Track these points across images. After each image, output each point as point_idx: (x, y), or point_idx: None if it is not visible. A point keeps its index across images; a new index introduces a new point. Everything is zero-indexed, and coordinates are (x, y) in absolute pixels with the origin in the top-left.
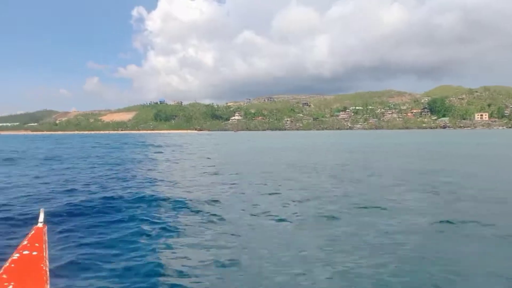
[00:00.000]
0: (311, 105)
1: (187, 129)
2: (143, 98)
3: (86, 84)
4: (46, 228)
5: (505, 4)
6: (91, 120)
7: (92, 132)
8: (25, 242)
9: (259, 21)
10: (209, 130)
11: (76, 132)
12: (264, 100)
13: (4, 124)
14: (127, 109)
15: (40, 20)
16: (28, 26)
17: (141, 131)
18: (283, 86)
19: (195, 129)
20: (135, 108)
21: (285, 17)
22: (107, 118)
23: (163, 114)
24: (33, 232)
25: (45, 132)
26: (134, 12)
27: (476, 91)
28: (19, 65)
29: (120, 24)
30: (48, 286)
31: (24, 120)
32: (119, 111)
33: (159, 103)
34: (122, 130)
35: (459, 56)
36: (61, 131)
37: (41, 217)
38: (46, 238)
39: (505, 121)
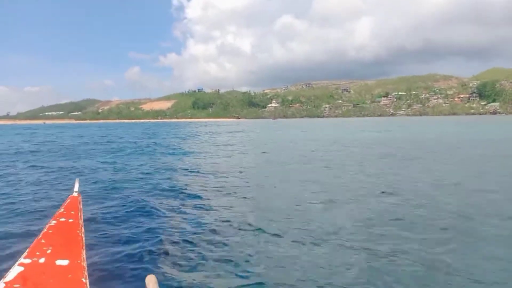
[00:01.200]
0: (351, 91)
1: (225, 117)
2: (182, 86)
3: (127, 73)
4: (80, 197)
5: None
6: (132, 109)
7: (132, 120)
8: (62, 210)
9: (299, 4)
10: (245, 118)
11: (117, 120)
12: (302, 86)
13: (50, 113)
14: (166, 98)
15: (84, 13)
16: (73, 19)
17: (179, 119)
18: (322, 71)
19: (234, 117)
20: (174, 96)
21: None
22: (147, 107)
23: (201, 103)
24: (68, 200)
25: (87, 121)
26: (174, 1)
27: None
28: (65, 56)
29: (160, 13)
30: (84, 251)
31: (69, 109)
32: (158, 99)
33: (197, 91)
34: (161, 119)
35: (510, 36)
36: (103, 119)
37: (76, 187)
38: (81, 207)
39: None
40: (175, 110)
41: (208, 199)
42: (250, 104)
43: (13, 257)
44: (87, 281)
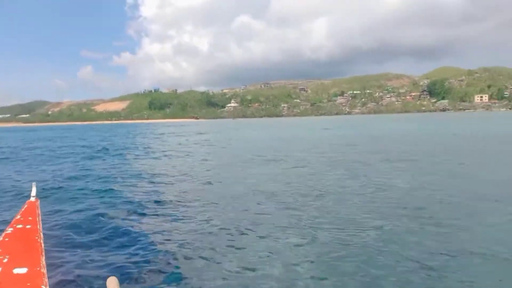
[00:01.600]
0: (308, 90)
1: (183, 118)
2: (137, 86)
3: (79, 73)
4: (39, 202)
5: None
6: (84, 110)
7: (85, 122)
8: (18, 217)
9: (256, 3)
10: (204, 118)
11: (68, 123)
12: (261, 86)
13: None
14: (121, 98)
15: (32, 9)
16: (20, 15)
17: (135, 121)
18: (280, 71)
19: (193, 118)
20: (129, 97)
21: None
22: (100, 108)
23: (158, 103)
24: (26, 206)
25: (36, 124)
26: None
27: (476, 72)
28: (11, 55)
29: (113, 11)
30: (44, 258)
31: (16, 111)
32: (112, 100)
33: (153, 91)
34: (115, 120)
35: (459, 36)
36: (53, 122)
37: (34, 191)
38: (39, 212)
39: (505, 103)
40: (131, 111)
41: (166, 203)
42: (208, 104)
43: None
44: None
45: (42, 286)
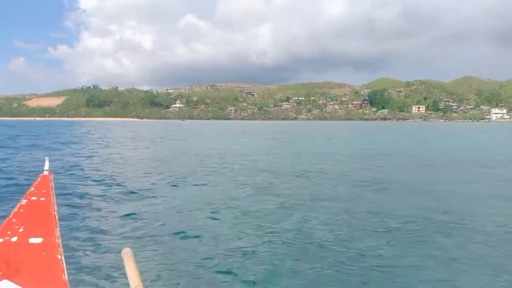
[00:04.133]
0: (255, 94)
1: (125, 117)
2: (74, 82)
3: (10, 65)
4: (52, 175)
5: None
6: (14, 105)
7: (14, 118)
8: (32, 189)
9: (203, 4)
10: (148, 118)
11: None
12: (207, 87)
13: None
14: (56, 94)
15: None
16: None
17: (71, 118)
18: (226, 74)
19: (137, 117)
20: (65, 92)
21: (230, 1)
22: (32, 103)
23: (96, 100)
24: (39, 179)
25: None
26: None
27: (413, 84)
28: None
29: (50, 0)
30: (58, 229)
31: None
32: (47, 95)
33: (92, 87)
34: (49, 117)
35: (394, 49)
36: None
37: (47, 165)
38: (53, 185)
39: (440, 114)
40: (66, 108)
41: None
42: (152, 104)
43: None
44: (63, 257)
45: (58, 256)
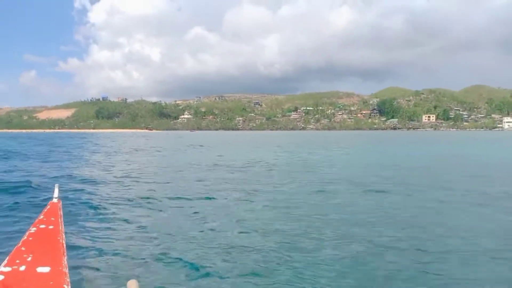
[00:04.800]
0: (263, 104)
1: (134, 128)
2: (84, 94)
3: (21, 78)
4: (61, 203)
5: (450, 8)
6: (25, 117)
7: (23, 130)
8: (41, 217)
9: (210, 17)
10: (157, 130)
11: (5, 130)
12: (215, 98)
13: None
14: (66, 106)
15: None
16: None
17: (80, 130)
18: (234, 85)
19: (146, 128)
20: (75, 104)
21: (237, 13)
22: (43, 116)
23: (106, 112)
24: (48, 207)
25: None
26: (76, 3)
27: (422, 93)
28: None
29: (60, 14)
30: (65, 257)
31: None
32: (57, 107)
33: (101, 99)
34: (59, 129)
35: (403, 58)
36: None
37: (56, 193)
38: (61, 213)
39: (451, 123)
40: (76, 120)
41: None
42: (161, 115)
43: None
44: (69, 287)
45: (64, 285)
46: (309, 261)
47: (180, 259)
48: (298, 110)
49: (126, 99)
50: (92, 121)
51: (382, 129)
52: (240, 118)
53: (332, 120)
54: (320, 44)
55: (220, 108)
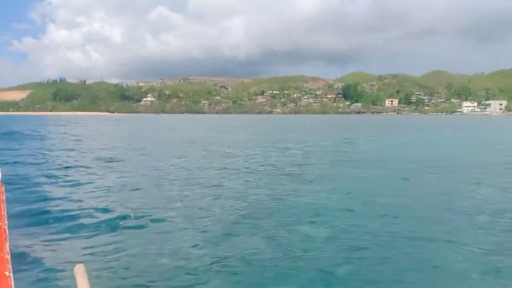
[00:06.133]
0: (229, 88)
1: (94, 111)
2: (39, 75)
3: None
4: (3, 187)
5: None
6: None
7: None
8: None
9: None
10: (118, 112)
11: None
12: (180, 81)
13: None
14: (20, 87)
15: None
16: None
17: (36, 112)
18: (199, 67)
19: (108, 111)
20: (30, 86)
21: None
22: None
23: (63, 94)
24: None
25: None
26: None
27: (385, 78)
28: None
29: None
30: (8, 244)
31: None
32: (10, 89)
33: (58, 81)
34: (13, 111)
35: (366, 43)
36: None
37: None
38: (4, 198)
39: (413, 107)
40: (31, 102)
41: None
42: (122, 97)
43: None
44: (11, 274)
45: (6, 272)
46: None
47: None
48: (265, 94)
49: (85, 81)
50: (49, 104)
51: (347, 113)
52: (206, 102)
53: (298, 104)
54: (286, 28)
55: (185, 91)
